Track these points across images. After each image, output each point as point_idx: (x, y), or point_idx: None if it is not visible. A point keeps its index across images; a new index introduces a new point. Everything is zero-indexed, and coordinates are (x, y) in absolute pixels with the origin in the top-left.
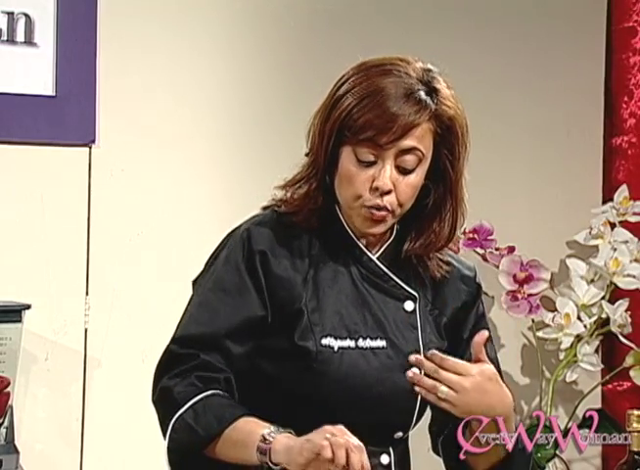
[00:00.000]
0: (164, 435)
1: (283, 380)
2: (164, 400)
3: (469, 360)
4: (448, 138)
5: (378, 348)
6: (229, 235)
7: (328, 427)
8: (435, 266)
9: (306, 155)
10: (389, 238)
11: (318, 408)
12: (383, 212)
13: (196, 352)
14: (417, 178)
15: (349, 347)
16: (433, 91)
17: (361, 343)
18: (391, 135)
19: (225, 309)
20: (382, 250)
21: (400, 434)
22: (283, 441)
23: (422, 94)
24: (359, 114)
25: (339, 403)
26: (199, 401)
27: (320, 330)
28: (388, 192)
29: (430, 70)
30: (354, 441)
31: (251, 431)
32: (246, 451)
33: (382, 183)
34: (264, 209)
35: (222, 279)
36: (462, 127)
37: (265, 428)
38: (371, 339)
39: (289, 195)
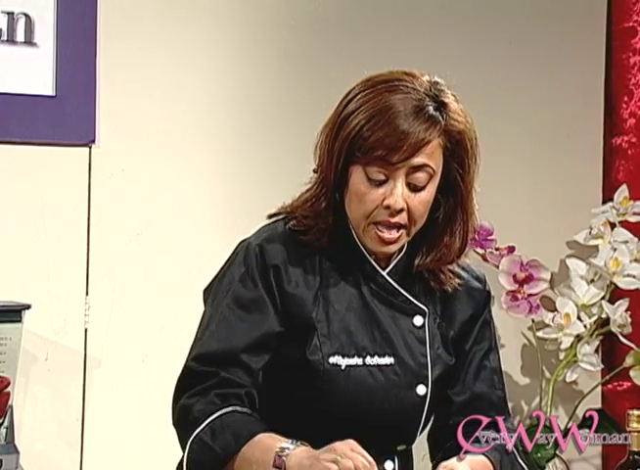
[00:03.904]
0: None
1: (290, 394)
2: (183, 420)
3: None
4: (458, 152)
5: (385, 365)
6: (240, 248)
7: (339, 445)
8: (447, 279)
9: (314, 171)
10: (400, 253)
11: (323, 421)
12: (394, 232)
13: (215, 369)
14: (428, 194)
15: (357, 364)
16: (441, 106)
17: (369, 360)
18: (402, 154)
19: (243, 326)
20: (392, 265)
21: (404, 446)
22: (297, 456)
23: (431, 110)
24: (369, 133)
25: (344, 418)
26: (216, 419)
27: (328, 348)
28: (400, 210)
29: (437, 83)
30: (363, 460)
31: (267, 447)
32: (263, 468)
33: (393, 201)
34: (270, 216)
35: (240, 295)
36: (471, 141)
37: (281, 443)
38: (379, 356)
39: (298, 214)
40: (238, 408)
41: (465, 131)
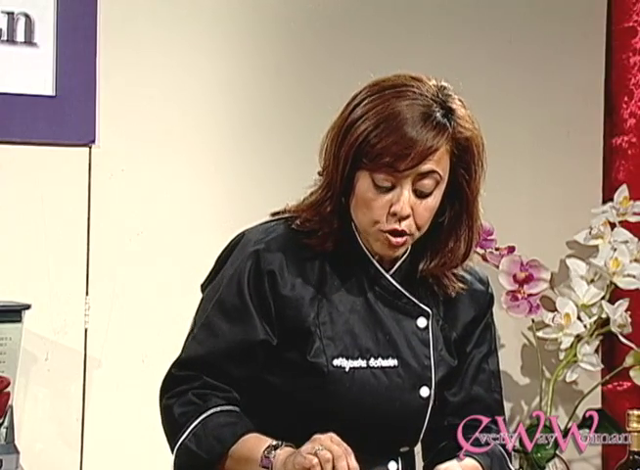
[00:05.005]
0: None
1: (293, 396)
2: (167, 421)
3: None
4: (465, 158)
5: (389, 367)
6: (238, 241)
7: (318, 436)
8: (450, 284)
9: (319, 174)
10: (404, 255)
11: (326, 423)
12: (400, 238)
13: (196, 373)
14: (434, 201)
15: (361, 366)
16: (449, 112)
17: (372, 362)
18: (410, 161)
19: (224, 333)
20: (396, 267)
21: (407, 448)
22: (282, 456)
23: (438, 117)
24: (376, 139)
25: (347, 420)
26: (199, 424)
27: (332, 350)
28: (407, 217)
29: (444, 88)
30: (340, 448)
31: (253, 447)
32: (251, 468)
33: (399, 208)
34: (273, 215)
35: (225, 301)
36: (478, 147)
37: (266, 444)
38: (382, 358)
39: (302, 217)
40: (219, 409)
41: (472, 138)
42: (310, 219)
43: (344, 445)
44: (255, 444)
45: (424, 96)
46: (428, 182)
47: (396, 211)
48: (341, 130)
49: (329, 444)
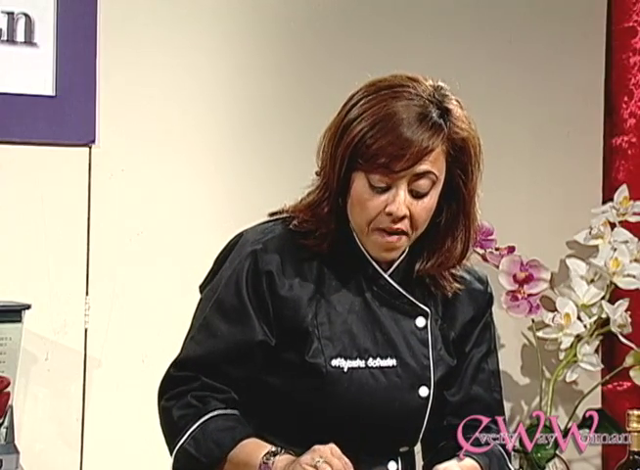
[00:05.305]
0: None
1: (292, 396)
2: (166, 424)
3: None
4: (461, 158)
5: (388, 367)
6: (236, 242)
7: (319, 447)
8: (447, 284)
9: (317, 174)
10: (401, 255)
11: (325, 423)
12: (395, 237)
13: (194, 374)
14: (431, 201)
15: (359, 367)
16: (445, 112)
17: (371, 362)
18: (405, 162)
19: (223, 333)
20: (393, 267)
21: (406, 448)
22: (281, 463)
23: (434, 117)
24: (372, 140)
25: (346, 420)
26: (198, 428)
27: (330, 351)
28: (403, 217)
29: (440, 88)
30: (340, 462)
31: (251, 452)
32: None
33: (395, 208)
34: (271, 215)
35: (223, 301)
36: (475, 147)
37: (265, 449)
38: (381, 358)
39: (300, 217)
40: (218, 412)
41: (468, 138)
42: (308, 220)
43: (345, 458)
44: (254, 449)
45: (420, 96)
46: (423, 183)
47: (392, 210)
48: (337, 130)
49: (329, 456)
